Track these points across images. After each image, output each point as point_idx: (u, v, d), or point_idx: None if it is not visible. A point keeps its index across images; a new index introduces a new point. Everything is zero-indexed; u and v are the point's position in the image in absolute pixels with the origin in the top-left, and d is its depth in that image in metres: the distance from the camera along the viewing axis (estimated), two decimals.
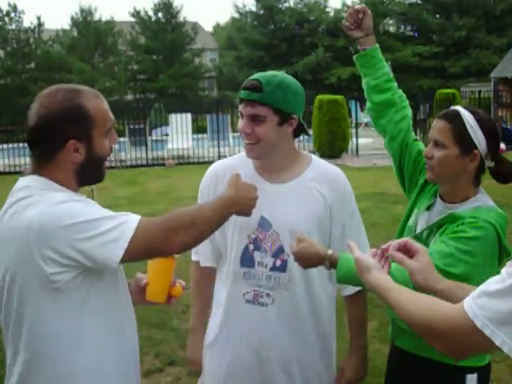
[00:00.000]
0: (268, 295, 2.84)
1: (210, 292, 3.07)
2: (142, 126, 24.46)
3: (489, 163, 2.73)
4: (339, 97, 21.76)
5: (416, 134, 3.16)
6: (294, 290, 2.83)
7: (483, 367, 2.74)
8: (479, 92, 25.84)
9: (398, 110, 3.03)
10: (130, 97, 54.06)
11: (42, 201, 2.17)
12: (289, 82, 2.78)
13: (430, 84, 45.48)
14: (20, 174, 2.40)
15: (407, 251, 2.14)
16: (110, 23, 53.24)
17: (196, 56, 56.08)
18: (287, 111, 2.74)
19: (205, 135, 25.21)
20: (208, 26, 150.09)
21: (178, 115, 24.45)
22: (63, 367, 2.25)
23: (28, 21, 77.35)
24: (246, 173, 2.80)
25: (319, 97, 21.48)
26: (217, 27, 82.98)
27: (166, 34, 53.13)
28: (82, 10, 51.87)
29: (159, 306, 6.97)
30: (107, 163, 2.45)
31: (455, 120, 2.68)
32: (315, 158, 3.02)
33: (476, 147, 2.66)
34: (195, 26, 56.66)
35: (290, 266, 2.79)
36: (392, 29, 56.25)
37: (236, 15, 58.38)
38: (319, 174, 2.89)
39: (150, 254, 2.33)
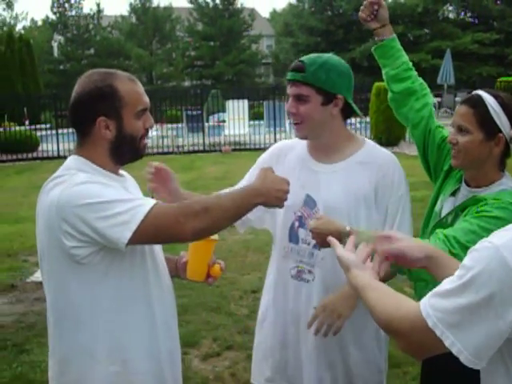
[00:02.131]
0: (310, 272, 2.91)
1: None
2: (199, 112, 24.58)
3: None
4: None
5: None
6: (326, 268, 2.88)
7: None
8: None
9: (419, 97, 3.05)
10: (187, 83, 54.39)
11: (66, 180, 2.33)
12: (333, 63, 2.83)
13: (489, 72, 44.80)
14: None
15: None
16: (168, 9, 53.68)
17: (253, 42, 56.08)
18: (331, 91, 2.80)
19: (261, 122, 25.24)
20: (265, 12, 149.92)
21: (235, 101, 24.51)
22: (83, 336, 2.39)
23: (88, 7, 78.70)
24: (299, 152, 2.95)
25: (377, 84, 21.25)
26: (274, 13, 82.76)
27: (223, 21, 53.23)
28: None
29: (217, 291, 7.09)
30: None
31: (478, 104, 2.66)
32: (369, 142, 3.04)
33: (500, 131, 2.64)
34: (252, 13, 56.68)
35: None
36: (452, 15, 55.44)
37: (293, 1, 58.32)
38: (369, 158, 2.91)
39: (159, 239, 2.38)
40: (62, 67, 50.53)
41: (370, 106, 21.56)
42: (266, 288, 3.18)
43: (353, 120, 23.73)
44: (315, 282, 2.90)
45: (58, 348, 2.47)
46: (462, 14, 55.46)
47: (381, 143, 17.73)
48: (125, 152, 2.48)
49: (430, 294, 1.67)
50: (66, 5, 50.60)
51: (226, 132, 23.99)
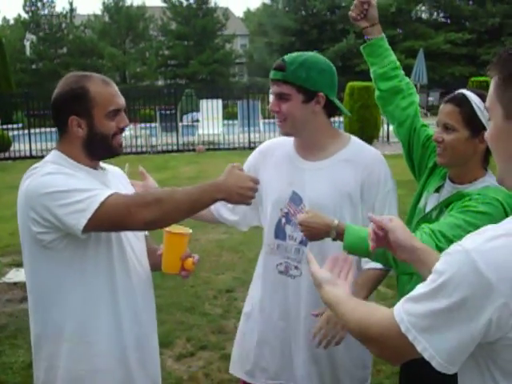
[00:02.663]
0: (296, 268, 2.95)
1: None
2: (172, 111, 24.53)
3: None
4: (370, 84, 21.41)
5: None
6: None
7: None
8: None
9: (405, 96, 3.10)
10: (160, 82, 54.30)
11: (37, 172, 2.54)
12: (314, 61, 2.88)
13: (462, 71, 45.17)
14: None
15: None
16: (142, 8, 53.51)
17: (227, 42, 56.10)
18: (311, 89, 2.84)
19: (235, 121, 25.25)
20: (239, 12, 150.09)
21: (209, 101, 24.49)
22: (54, 316, 2.59)
23: (60, 6, 78.45)
24: (287, 150, 3.02)
25: (350, 84, 21.37)
26: (248, 13, 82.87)
27: (196, 20, 53.19)
28: None
29: (192, 291, 7.07)
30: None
31: (463, 103, 2.73)
32: (355, 139, 3.07)
33: (485, 128, 2.66)
34: (226, 12, 56.68)
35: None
36: (424, 15, 55.80)
37: (267, 1, 58.36)
38: (354, 156, 2.95)
39: (113, 227, 2.50)
40: (34, 66, 50.19)
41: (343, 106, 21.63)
42: (253, 282, 3.22)
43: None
44: (302, 278, 2.93)
45: (34, 326, 2.67)
46: (435, 14, 55.84)
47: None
48: (97, 149, 2.65)
49: (403, 298, 1.66)
50: (39, 3, 50.21)
51: (200, 131, 23.96)
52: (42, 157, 2.69)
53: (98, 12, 55.00)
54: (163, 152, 22.47)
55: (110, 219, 2.42)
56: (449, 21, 53.87)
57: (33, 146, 21.42)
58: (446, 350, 1.55)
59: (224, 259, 8.51)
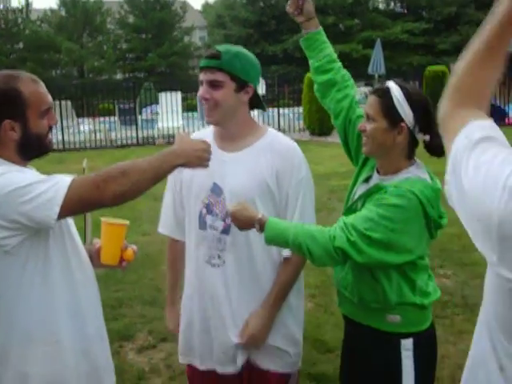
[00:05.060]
0: (219, 257, 3.03)
1: (181, 265, 3.29)
2: (131, 105, 24.41)
3: (422, 136, 2.86)
4: None
5: None
6: (237, 253, 3.01)
7: (421, 332, 2.90)
8: None
9: (340, 88, 3.17)
10: (119, 76, 53.88)
11: None
12: (246, 54, 2.99)
13: (419, 61, 45.47)
14: None
15: None
16: (99, 2, 52.91)
17: (185, 34, 55.86)
18: (244, 79, 2.93)
19: (195, 114, 25.20)
20: (197, 4, 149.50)
21: (168, 94, 24.45)
22: (19, 321, 2.53)
23: (16, 1, 77.20)
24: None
25: (309, 74, 21.35)
26: (206, 5, 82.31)
27: (154, 13, 52.86)
28: None
29: (152, 284, 7.07)
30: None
31: (384, 94, 2.81)
32: (272, 130, 3.17)
33: (403, 120, 2.78)
34: (184, 5, 56.42)
35: (234, 229, 2.93)
36: (381, 6, 56.16)
37: None
38: (270, 145, 3.04)
39: (85, 207, 2.53)
40: None
41: (302, 97, 21.75)
42: (186, 277, 3.28)
43: (286, 110, 23.91)
44: (226, 267, 3.01)
45: None
46: (392, 4, 56.21)
47: (314, 133, 17.94)
48: (31, 150, 2.61)
49: None
50: None
51: (160, 125, 23.91)
52: None
53: (55, 6, 54.51)
54: (123, 146, 22.36)
55: (81, 200, 2.42)
56: (406, 11, 54.31)
57: None
58: None
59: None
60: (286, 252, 3.00)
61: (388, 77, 29.69)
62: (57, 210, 2.38)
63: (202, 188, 3.04)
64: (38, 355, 2.55)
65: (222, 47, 2.95)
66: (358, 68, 41.06)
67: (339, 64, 3.22)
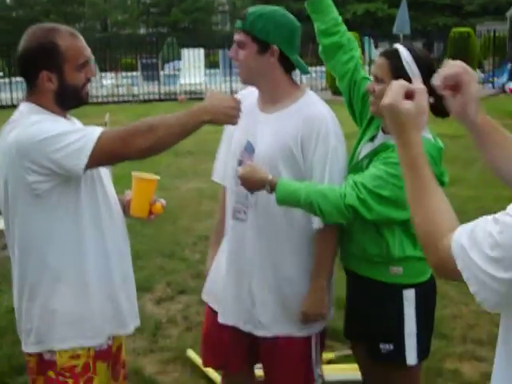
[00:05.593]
0: (244, 212, 3.10)
1: (225, 210, 3.33)
2: (154, 60, 24.41)
3: (428, 98, 2.87)
4: (353, 33, 21.32)
5: None
6: (258, 211, 3.06)
7: (422, 283, 2.99)
8: (494, 31, 25.55)
9: (346, 51, 3.22)
10: (142, 31, 53.72)
11: (21, 123, 2.58)
12: (274, 15, 2.97)
13: (445, 22, 44.95)
14: None
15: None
16: None
17: None
18: (265, 40, 2.94)
19: (217, 70, 25.16)
20: None
21: (191, 50, 24.38)
22: (50, 261, 2.66)
23: None
24: (251, 101, 3.11)
25: None
26: None
27: None
28: None
29: (171, 238, 7.16)
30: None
31: (393, 56, 2.87)
32: (310, 94, 3.13)
33: (411, 81, 2.77)
34: None
35: None
36: None
37: None
38: (301, 109, 3.03)
39: (112, 159, 2.63)
40: (14, 14, 49.48)
41: None
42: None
43: (309, 69, 23.77)
44: (248, 222, 3.07)
45: (27, 276, 2.70)
46: None
47: (336, 92, 17.77)
48: (68, 100, 2.71)
49: (466, 235, 1.59)
50: None
51: (182, 81, 23.87)
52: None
53: None
54: (144, 101, 22.39)
55: (108, 152, 2.53)
56: None
57: (14, 95, 21.23)
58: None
59: (204, 207, 8.58)
60: (317, 223, 2.99)
61: (413, 37, 29.47)
62: (85, 160, 2.48)
63: (237, 144, 3.10)
64: (66, 294, 2.67)
65: (252, 8, 3.00)
66: (382, 27, 40.62)
67: (344, 27, 3.26)
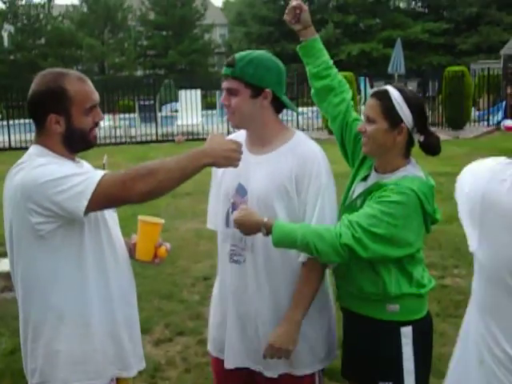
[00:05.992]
0: (241, 255, 3.11)
1: None
2: (151, 102, 24.55)
3: (418, 137, 3.01)
4: (348, 73, 21.52)
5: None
6: (255, 253, 3.08)
7: (419, 320, 3.03)
8: (488, 69, 25.75)
9: (337, 93, 3.29)
10: (139, 73, 54.10)
11: (28, 165, 2.65)
12: (262, 58, 3.04)
13: (439, 61, 45.38)
14: None
15: None
16: None
17: (205, 32, 55.97)
18: (258, 85, 3.00)
19: (214, 111, 25.30)
20: (218, 2, 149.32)
21: (188, 91, 24.55)
22: (53, 301, 2.70)
23: None
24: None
25: None
26: (226, 2, 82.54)
27: (175, 10, 53.02)
28: None
29: (170, 279, 7.16)
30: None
31: (384, 97, 2.95)
32: (300, 134, 3.20)
33: (402, 121, 2.93)
34: (205, 2, 56.45)
35: None
36: (402, 5, 56.01)
37: None
38: (293, 150, 3.08)
39: (112, 203, 2.66)
40: (12, 57, 49.82)
41: None
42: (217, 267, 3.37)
43: (304, 109, 23.94)
44: (246, 264, 3.09)
45: (31, 316, 2.74)
46: (413, 3, 56.09)
47: (331, 131, 17.96)
48: (76, 143, 2.79)
49: None
50: None
51: (179, 122, 24.03)
52: (22, 148, 2.83)
53: (76, 2, 54.77)
54: (142, 143, 22.53)
55: (109, 196, 2.57)
56: (427, 10, 54.20)
57: (12, 138, 21.35)
58: None
59: (202, 248, 8.62)
60: (302, 257, 3.03)
61: (408, 76, 29.72)
62: (85, 203, 2.53)
63: (229, 187, 3.13)
64: (69, 335, 2.71)
65: (239, 54, 3.04)
66: (377, 67, 40.96)
67: (335, 70, 3.33)
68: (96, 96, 2.80)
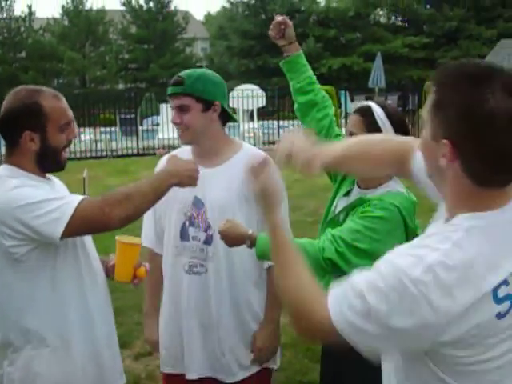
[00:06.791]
0: (202, 265, 3.17)
1: (159, 276, 3.37)
2: (132, 115, 24.53)
3: None
4: (328, 87, 21.56)
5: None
6: (217, 262, 3.16)
7: None
8: None
9: (320, 108, 3.34)
10: (120, 86, 54.01)
11: (1, 187, 2.59)
12: (208, 74, 3.19)
13: (419, 75, 45.59)
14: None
15: None
16: (101, 12, 53.12)
17: (187, 45, 56.00)
18: (209, 98, 3.12)
19: None
20: (199, 16, 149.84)
21: (169, 105, 24.48)
22: (31, 324, 2.66)
23: (19, 10, 77.36)
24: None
25: None
26: (208, 16, 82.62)
27: (156, 24, 53.02)
28: None
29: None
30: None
31: (366, 113, 2.99)
32: (247, 144, 3.39)
33: None
34: (186, 16, 56.59)
35: (216, 240, 3.10)
36: (382, 19, 56.36)
37: (227, 5, 58.44)
38: (244, 159, 3.11)
39: (90, 229, 2.66)
40: None
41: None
42: (164, 287, 3.39)
43: (285, 123, 24.03)
44: (208, 274, 3.16)
45: (8, 340, 2.69)
46: (393, 18, 56.42)
47: None
48: (48, 162, 2.75)
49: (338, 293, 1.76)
50: None
51: (160, 136, 23.99)
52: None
53: (58, 16, 54.57)
54: (123, 156, 22.50)
55: (86, 223, 2.56)
56: (407, 24, 54.49)
57: None
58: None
59: None
60: (267, 263, 3.14)
61: (388, 90, 29.89)
62: (61, 230, 2.50)
63: (184, 202, 3.18)
64: (48, 357, 2.68)
65: (184, 73, 3.15)
66: (358, 81, 41.14)
67: (318, 85, 3.37)
68: (70, 113, 2.79)
